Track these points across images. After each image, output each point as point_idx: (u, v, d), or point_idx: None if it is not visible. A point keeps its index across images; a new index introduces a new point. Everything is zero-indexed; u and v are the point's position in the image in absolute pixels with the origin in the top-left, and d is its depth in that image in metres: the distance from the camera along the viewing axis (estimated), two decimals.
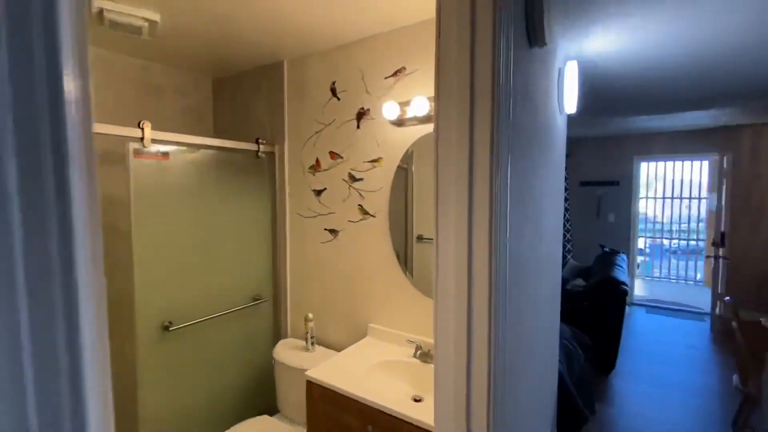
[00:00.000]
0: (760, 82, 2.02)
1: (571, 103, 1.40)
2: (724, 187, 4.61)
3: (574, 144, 5.32)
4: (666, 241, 7.22)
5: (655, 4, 1.13)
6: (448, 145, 0.77)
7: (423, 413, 1.27)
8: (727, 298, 2.90)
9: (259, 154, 2.15)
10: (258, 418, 1.92)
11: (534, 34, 0.85)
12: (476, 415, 0.88)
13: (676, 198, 7.08)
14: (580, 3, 1.12)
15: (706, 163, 5.90)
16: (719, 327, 4.31)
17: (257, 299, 2.16)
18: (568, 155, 5.28)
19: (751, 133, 4.42)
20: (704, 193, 6.64)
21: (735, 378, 2.56)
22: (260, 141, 2.15)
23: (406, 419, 1.27)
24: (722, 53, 1.53)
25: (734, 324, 2.46)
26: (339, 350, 1.96)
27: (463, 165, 0.76)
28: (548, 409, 1.65)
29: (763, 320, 2.64)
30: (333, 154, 2.01)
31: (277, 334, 2.26)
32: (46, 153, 0.27)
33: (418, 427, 1.24)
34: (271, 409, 2.09)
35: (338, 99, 1.97)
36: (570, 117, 1.82)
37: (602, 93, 2.31)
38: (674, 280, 6.65)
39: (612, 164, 5.25)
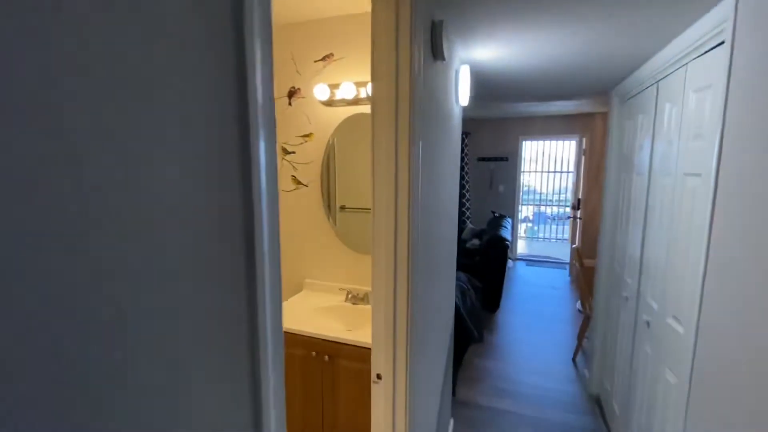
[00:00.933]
0: (600, 83, 2.71)
1: (464, 97, 1.83)
2: (581, 162, 5.77)
3: (473, 124, 6.05)
4: (544, 208, 8.69)
5: (519, 31, 1.56)
6: (380, 132, 1.10)
7: (355, 337, 1.64)
8: (573, 245, 3.81)
9: None
10: None
11: (436, 52, 1.20)
12: (399, 333, 1.26)
13: (553, 172, 8.51)
14: (467, 28, 1.50)
15: (573, 143, 7.20)
16: (573, 271, 5.52)
17: None
18: (468, 134, 6.01)
19: (602, 119, 5.56)
20: (571, 168, 8.13)
21: (578, 304, 3.47)
22: None
23: (342, 341, 1.63)
24: (572, 60, 2.08)
25: (577, 265, 3.32)
26: None
27: (391, 147, 1.09)
28: (447, 330, 2.16)
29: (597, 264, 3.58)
30: None
31: None
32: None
33: (351, 345, 1.62)
34: None
35: None
36: (466, 106, 2.27)
37: (490, 86, 2.84)
38: (548, 240, 8.11)
39: (502, 142, 6.12)
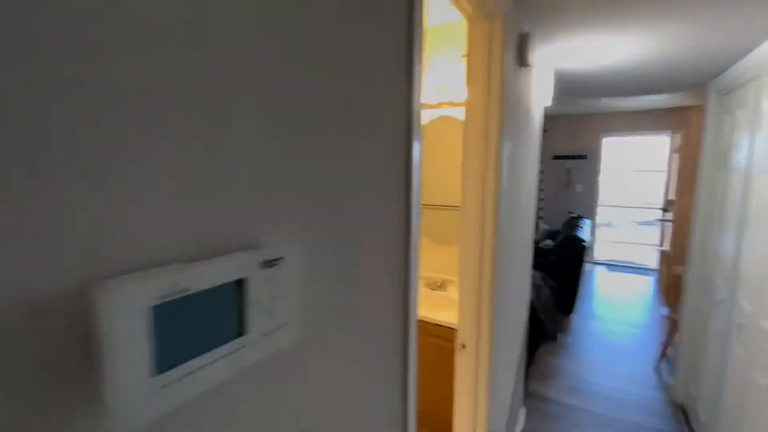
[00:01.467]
0: (696, 76, 2.58)
1: (546, 99, 1.92)
2: (674, 160, 5.33)
3: (550, 121, 5.88)
4: (628, 210, 8.08)
5: (606, 35, 1.61)
6: (472, 133, 1.27)
7: (437, 316, 1.83)
8: (662, 248, 3.59)
9: None
10: None
11: (523, 60, 1.34)
12: (483, 310, 1.42)
13: (639, 171, 7.88)
14: (553, 36, 1.60)
15: (666, 139, 6.62)
16: (660, 277, 5.13)
17: None
18: (544, 131, 5.86)
19: (698, 113, 5.08)
20: (661, 167, 7.45)
21: (664, 310, 3.29)
22: None
23: (426, 320, 1.83)
24: (664, 56, 2.03)
25: (665, 270, 3.15)
26: None
27: (481, 146, 1.26)
28: (521, 318, 2.26)
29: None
30: None
31: None
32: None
33: (434, 323, 1.81)
34: None
35: None
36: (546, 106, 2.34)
37: (571, 83, 2.83)
38: (632, 244, 7.53)
39: (581, 139, 5.87)
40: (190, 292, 0.25)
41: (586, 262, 5.15)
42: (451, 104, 2.11)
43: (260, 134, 0.36)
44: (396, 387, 0.75)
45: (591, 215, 5.87)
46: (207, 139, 0.31)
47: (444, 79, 2.10)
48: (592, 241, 6.02)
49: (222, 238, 0.31)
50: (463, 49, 1.94)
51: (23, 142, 0.21)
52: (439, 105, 2.14)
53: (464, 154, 1.31)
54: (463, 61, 1.97)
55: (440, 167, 2.21)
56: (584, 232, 4.30)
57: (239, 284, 0.29)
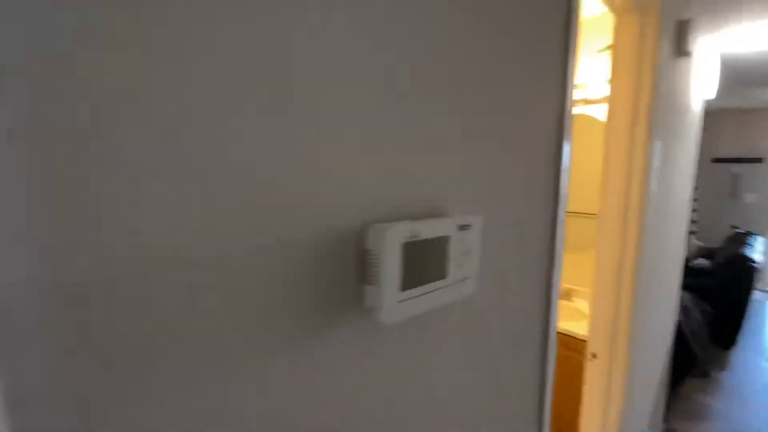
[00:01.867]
0: None
1: (709, 90, 1.67)
2: None
3: (709, 118, 4.96)
4: None
5: None
6: (615, 133, 1.20)
7: (564, 326, 1.75)
8: None
9: None
10: None
11: (681, 50, 1.21)
12: (621, 329, 1.30)
13: None
14: (721, 21, 1.40)
15: None
16: None
17: None
18: (702, 130, 4.95)
19: None
20: None
21: None
22: None
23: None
24: None
25: None
26: None
27: (625, 147, 1.18)
28: (664, 344, 1.99)
29: None
30: None
31: None
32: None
33: (561, 333, 1.74)
34: None
35: None
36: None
37: (744, 69, 2.38)
38: None
39: (752, 139, 4.79)
40: (420, 239, 0.36)
41: (756, 288, 4.19)
42: (586, 102, 1.99)
43: (464, 140, 0.47)
44: (534, 383, 0.76)
45: (766, 232, 4.74)
46: (437, 142, 0.43)
47: (579, 76, 2.00)
48: (766, 264, 4.85)
49: (430, 206, 0.42)
50: (600, 43, 1.82)
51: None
52: (574, 103, 2.04)
53: (605, 156, 1.24)
54: (599, 57, 1.85)
55: (571, 170, 2.09)
56: (754, 252, 3.52)
57: (445, 240, 0.39)
